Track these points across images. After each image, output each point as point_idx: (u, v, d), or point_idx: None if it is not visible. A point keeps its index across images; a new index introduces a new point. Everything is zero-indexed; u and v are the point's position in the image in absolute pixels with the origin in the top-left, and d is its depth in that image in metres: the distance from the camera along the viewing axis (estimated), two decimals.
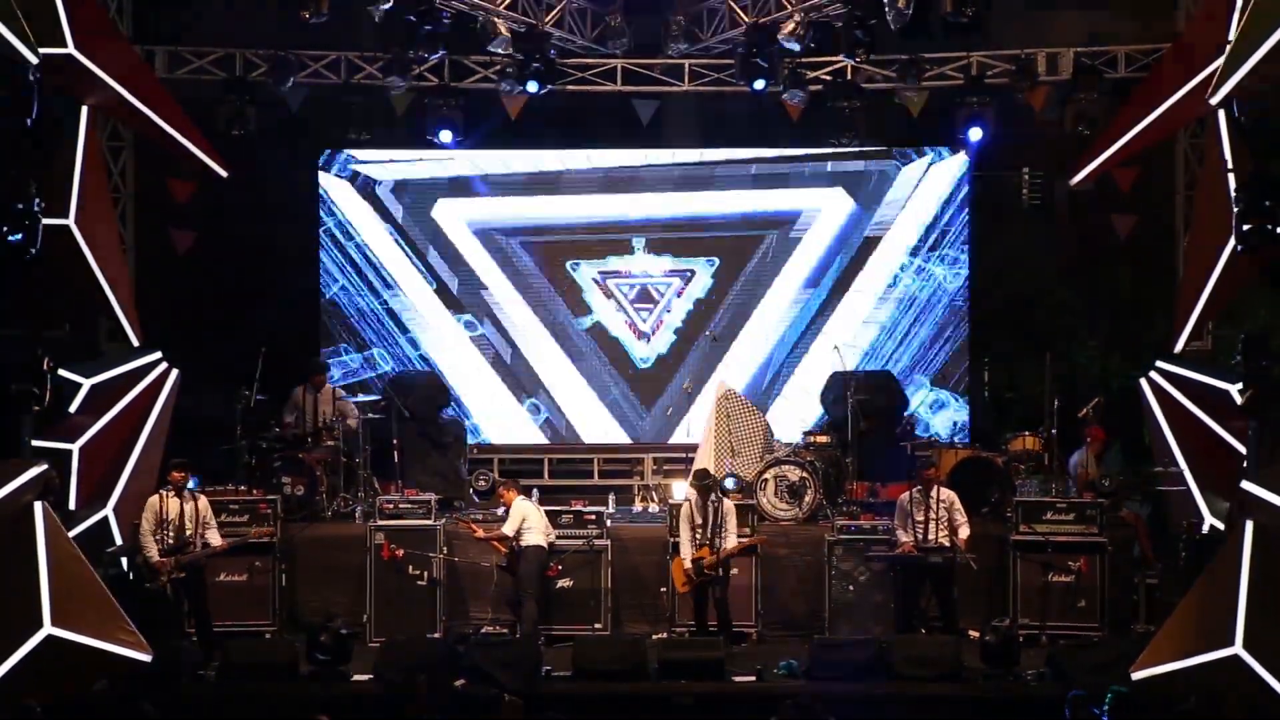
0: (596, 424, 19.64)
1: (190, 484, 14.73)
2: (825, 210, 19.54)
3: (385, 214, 19.55)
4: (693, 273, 19.61)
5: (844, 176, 19.48)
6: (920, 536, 14.70)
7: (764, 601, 15.24)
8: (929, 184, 19.47)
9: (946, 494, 14.90)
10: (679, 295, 19.60)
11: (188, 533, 14.26)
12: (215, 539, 14.47)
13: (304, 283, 19.42)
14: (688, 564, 14.63)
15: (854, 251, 19.49)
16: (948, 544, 14.67)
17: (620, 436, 19.57)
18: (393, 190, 19.55)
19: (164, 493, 14.39)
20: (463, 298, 19.66)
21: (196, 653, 13.90)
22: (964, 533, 14.73)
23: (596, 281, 19.63)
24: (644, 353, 19.65)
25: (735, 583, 15.00)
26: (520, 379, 19.65)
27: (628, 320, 19.65)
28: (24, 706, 10.74)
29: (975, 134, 17.92)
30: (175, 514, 14.27)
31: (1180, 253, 17.19)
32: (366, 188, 19.45)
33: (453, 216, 19.63)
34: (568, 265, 19.64)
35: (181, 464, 14.61)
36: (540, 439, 19.53)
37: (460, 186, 19.60)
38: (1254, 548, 11.56)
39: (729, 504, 14.92)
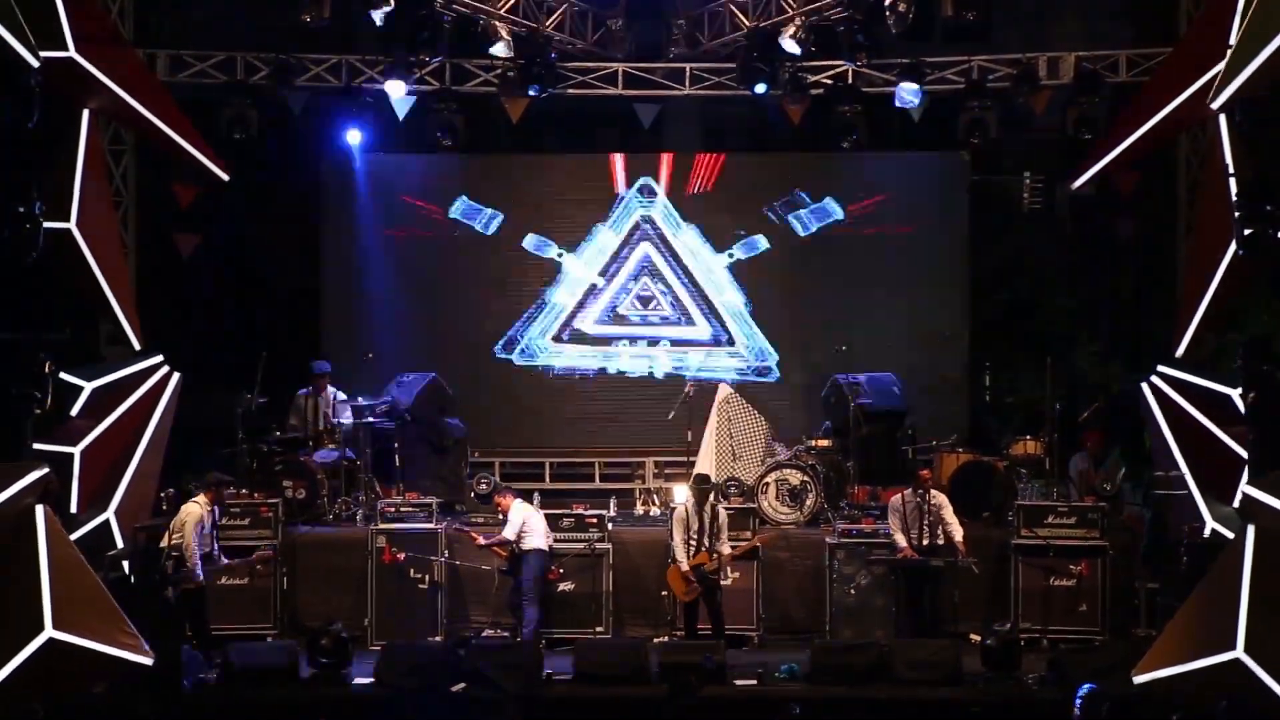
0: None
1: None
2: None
3: (386, 215, 19.57)
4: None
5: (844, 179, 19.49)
6: (918, 540, 14.69)
7: (765, 605, 15.23)
8: (930, 187, 19.45)
9: (938, 497, 14.89)
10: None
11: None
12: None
13: (305, 286, 19.40)
14: (685, 567, 14.59)
15: (856, 254, 19.49)
16: (943, 545, 14.65)
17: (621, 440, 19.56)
18: (394, 191, 19.56)
19: (201, 504, 14.28)
20: None
21: (197, 656, 13.88)
22: (958, 535, 14.71)
23: None
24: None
25: (736, 586, 15.03)
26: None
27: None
28: (27, 709, 10.72)
29: (976, 138, 17.88)
30: (210, 526, 14.31)
31: (1181, 257, 17.17)
32: (368, 190, 19.46)
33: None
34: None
35: (228, 480, 14.73)
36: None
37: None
38: (1255, 552, 11.56)
39: (722, 511, 14.89)
